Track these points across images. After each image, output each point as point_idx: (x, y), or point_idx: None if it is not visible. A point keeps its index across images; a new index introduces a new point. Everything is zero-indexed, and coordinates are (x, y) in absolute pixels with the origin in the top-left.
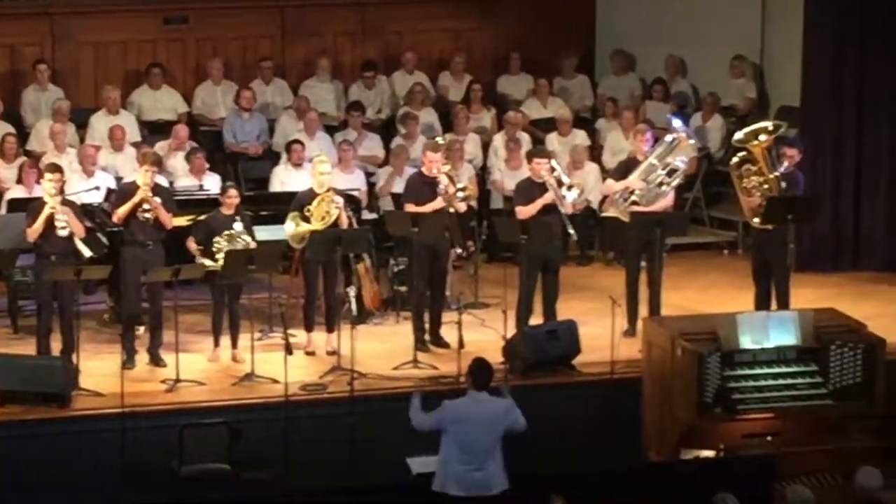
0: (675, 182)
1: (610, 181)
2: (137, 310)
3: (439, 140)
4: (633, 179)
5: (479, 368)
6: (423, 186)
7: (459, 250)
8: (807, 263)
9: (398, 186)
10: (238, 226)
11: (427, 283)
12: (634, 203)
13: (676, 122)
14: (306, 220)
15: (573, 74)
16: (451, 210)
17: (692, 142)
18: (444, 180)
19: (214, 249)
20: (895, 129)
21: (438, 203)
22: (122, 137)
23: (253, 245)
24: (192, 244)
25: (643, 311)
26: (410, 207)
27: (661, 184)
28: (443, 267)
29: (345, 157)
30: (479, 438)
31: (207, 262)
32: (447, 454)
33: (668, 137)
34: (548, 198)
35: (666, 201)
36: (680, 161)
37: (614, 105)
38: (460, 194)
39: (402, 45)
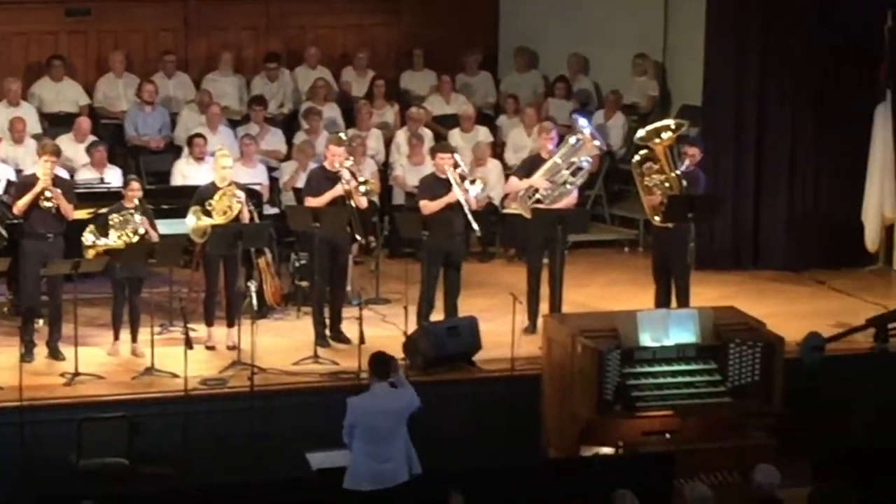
0: (580, 181)
1: (514, 179)
2: (36, 303)
3: (342, 135)
4: (538, 178)
5: (380, 360)
6: (325, 181)
7: (361, 239)
8: (707, 262)
9: (301, 181)
10: (138, 218)
11: (328, 279)
12: (538, 201)
13: (582, 123)
14: (208, 214)
15: (476, 71)
16: (353, 205)
17: (597, 142)
18: (346, 174)
19: (110, 224)
20: (795, 130)
21: (338, 190)
22: (22, 129)
23: (156, 237)
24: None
25: (544, 308)
26: (310, 201)
27: (565, 183)
28: (343, 262)
29: (247, 152)
30: (385, 428)
31: (102, 242)
32: (356, 452)
33: (573, 138)
34: (451, 197)
35: (569, 199)
36: (584, 160)
37: (516, 102)
38: (362, 188)
39: (305, 40)
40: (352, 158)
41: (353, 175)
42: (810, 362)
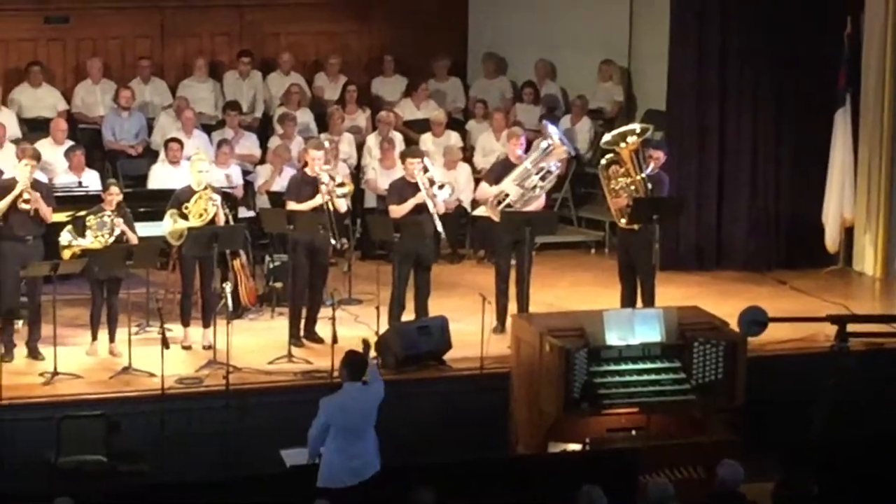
0: (549, 185)
1: (485, 185)
2: (16, 304)
3: (324, 140)
4: (508, 184)
5: (353, 360)
6: (304, 185)
7: (335, 242)
8: (671, 263)
9: (277, 185)
10: (116, 220)
11: (304, 282)
12: (508, 205)
13: (552, 129)
14: (184, 216)
15: (446, 77)
16: (332, 208)
17: (566, 148)
18: (325, 178)
19: (87, 225)
20: (756, 134)
21: (318, 200)
22: (1, 134)
23: (134, 239)
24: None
25: (512, 308)
26: (292, 205)
27: (535, 187)
28: (323, 264)
29: (222, 156)
30: (357, 426)
31: (77, 242)
32: (330, 451)
33: (543, 143)
34: (419, 198)
35: (538, 202)
36: (553, 165)
37: (484, 107)
38: (339, 191)
39: (278, 46)
40: (332, 163)
41: (332, 178)
42: (749, 335)
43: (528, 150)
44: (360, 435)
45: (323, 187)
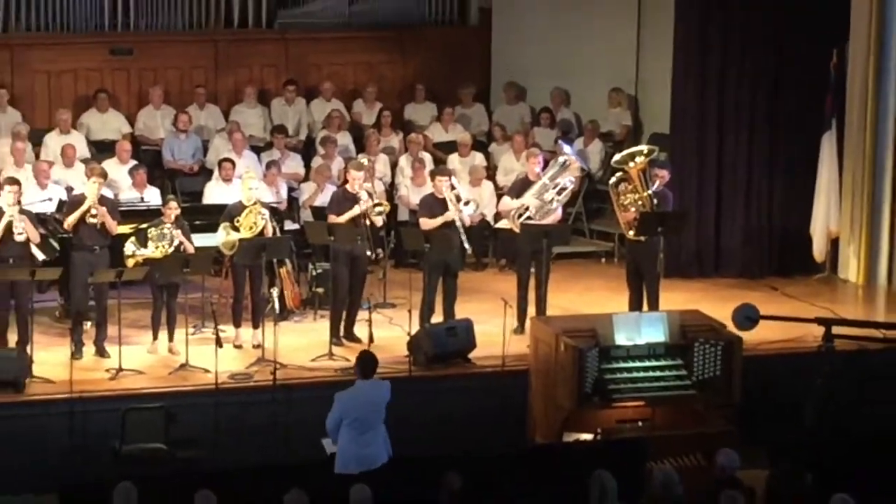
0: (564, 199)
1: (507, 199)
2: (85, 307)
3: (363, 161)
4: (528, 197)
5: (365, 360)
6: (345, 201)
7: (371, 253)
8: (674, 270)
9: (320, 200)
10: (175, 232)
11: (344, 288)
12: (528, 218)
13: (567, 148)
14: (236, 229)
15: (471, 103)
16: (368, 223)
17: (579, 164)
18: (364, 196)
19: (149, 237)
20: (751, 155)
21: (356, 211)
22: (72, 155)
23: (191, 249)
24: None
25: (531, 311)
26: (332, 218)
27: (552, 201)
28: (362, 272)
29: (270, 175)
30: (368, 419)
31: (141, 252)
32: (344, 440)
33: (560, 159)
34: (448, 216)
35: (555, 216)
36: (569, 180)
37: (503, 130)
38: (378, 209)
39: (320, 75)
40: (370, 182)
41: (371, 196)
42: (742, 329)
43: (545, 168)
44: (370, 427)
45: (361, 203)
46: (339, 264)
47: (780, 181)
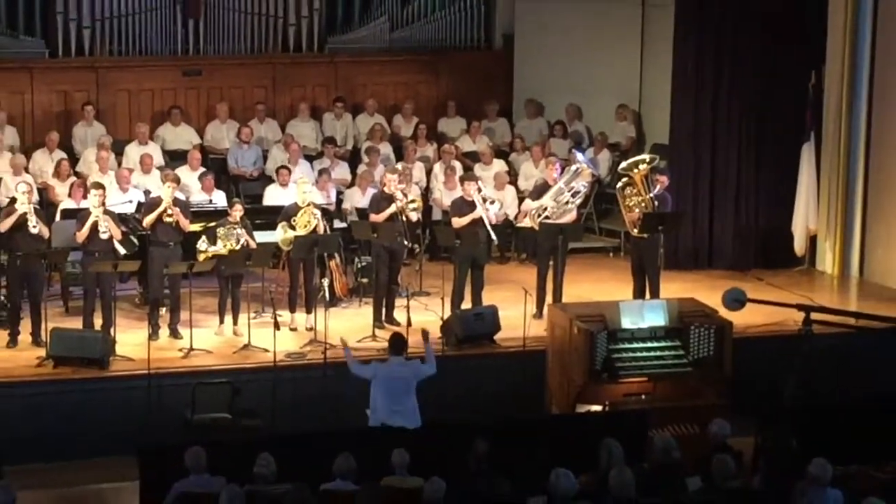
0: (579, 201)
1: (528, 200)
2: (161, 295)
3: (398, 166)
4: (546, 199)
5: (395, 340)
6: (383, 201)
7: (409, 245)
8: (673, 263)
9: (363, 202)
10: (239, 230)
11: (385, 278)
12: (546, 217)
13: (580, 157)
14: (292, 227)
15: (495, 118)
16: (404, 218)
17: (590, 171)
18: (398, 195)
19: (217, 235)
20: (740, 162)
21: (393, 209)
22: (149, 163)
23: (254, 245)
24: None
25: (548, 299)
26: (373, 217)
27: (567, 202)
28: (398, 265)
29: (321, 180)
30: (396, 389)
31: (212, 249)
32: (375, 400)
33: (574, 167)
34: (476, 214)
35: (570, 215)
36: (582, 185)
37: (522, 142)
38: (412, 206)
39: (365, 93)
40: (404, 183)
41: (404, 195)
42: (730, 309)
43: (561, 173)
44: (400, 398)
45: (397, 202)
46: (379, 257)
47: (765, 185)
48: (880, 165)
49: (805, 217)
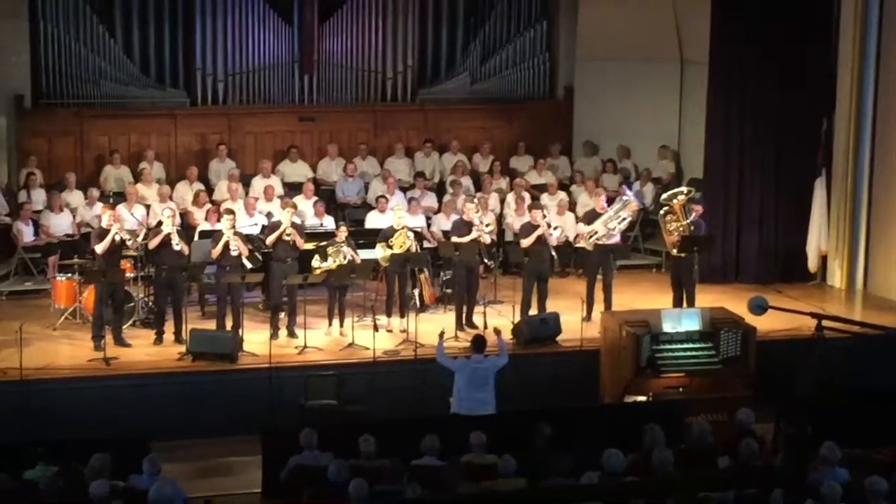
0: (624, 226)
1: (581, 225)
2: (280, 302)
3: (476, 197)
4: (598, 225)
5: (476, 339)
6: (463, 226)
7: (486, 262)
8: (706, 278)
9: (447, 226)
10: (346, 249)
11: (465, 289)
12: (598, 239)
13: (629, 192)
14: (389, 246)
15: (558, 156)
16: (481, 240)
17: (636, 202)
18: (476, 221)
19: (328, 253)
20: (763, 192)
21: (473, 235)
22: (272, 192)
23: (358, 261)
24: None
25: (600, 307)
26: (455, 239)
27: (614, 228)
28: (475, 278)
29: (413, 208)
30: (477, 382)
31: (324, 265)
32: (459, 389)
33: (623, 198)
34: (538, 233)
35: (616, 238)
36: (628, 215)
37: (581, 176)
38: (487, 229)
39: (450, 136)
40: (481, 211)
41: (481, 221)
42: (754, 314)
43: (609, 204)
44: (479, 388)
45: (475, 229)
46: (458, 273)
47: (783, 212)
48: (881, 197)
49: (818, 239)
